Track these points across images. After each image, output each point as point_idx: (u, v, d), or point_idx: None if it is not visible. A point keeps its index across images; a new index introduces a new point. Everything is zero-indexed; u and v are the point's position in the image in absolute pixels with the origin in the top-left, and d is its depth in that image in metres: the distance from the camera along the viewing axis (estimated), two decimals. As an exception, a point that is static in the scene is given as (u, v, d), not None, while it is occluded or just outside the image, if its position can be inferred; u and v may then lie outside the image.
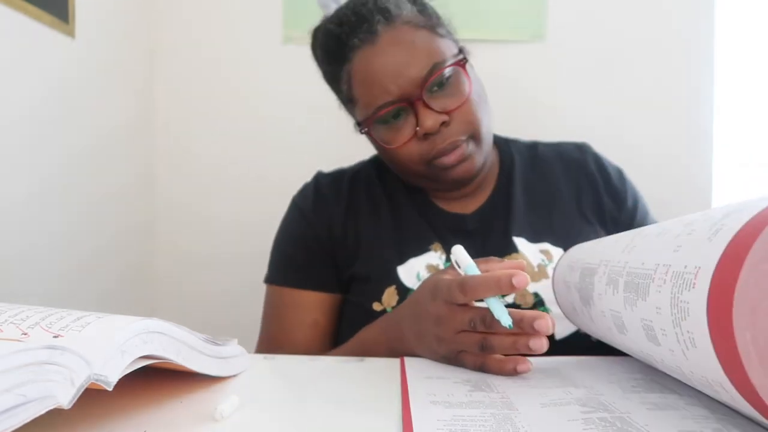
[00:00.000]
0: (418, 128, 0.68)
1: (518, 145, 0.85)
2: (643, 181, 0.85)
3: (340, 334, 0.78)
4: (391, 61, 0.68)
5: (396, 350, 0.58)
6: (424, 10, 0.73)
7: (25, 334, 0.34)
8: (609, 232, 0.77)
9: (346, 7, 0.74)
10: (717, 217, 0.33)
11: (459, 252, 0.52)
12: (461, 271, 0.52)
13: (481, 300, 0.49)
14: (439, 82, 0.68)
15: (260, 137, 1.39)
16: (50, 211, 1.01)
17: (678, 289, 0.32)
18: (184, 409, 0.39)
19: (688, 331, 0.31)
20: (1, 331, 0.34)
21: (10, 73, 0.91)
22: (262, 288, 0.82)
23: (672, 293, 0.32)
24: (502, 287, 0.46)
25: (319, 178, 0.84)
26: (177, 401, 0.41)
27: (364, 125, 0.72)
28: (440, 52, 0.69)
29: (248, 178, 1.39)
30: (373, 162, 0.86)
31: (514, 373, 0.48)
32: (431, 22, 0.72)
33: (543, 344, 0.47)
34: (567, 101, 1.35)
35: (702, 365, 0.31)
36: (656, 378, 0.46)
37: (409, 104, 0.68)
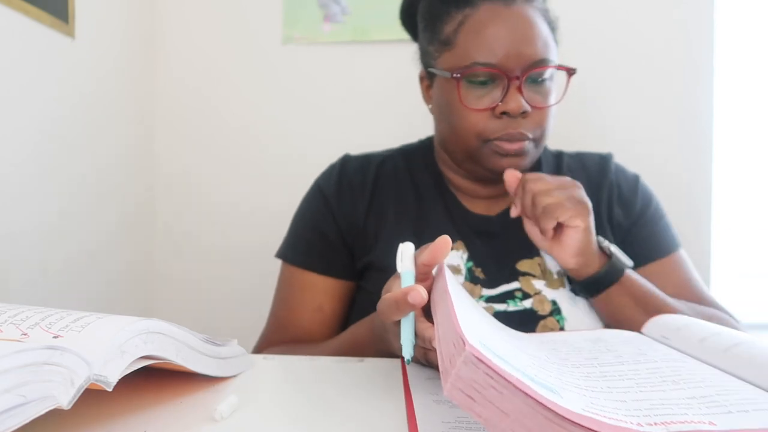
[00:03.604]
0: (500, 103, 0.67)
1: (546, 153, 0.84)
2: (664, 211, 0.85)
3: (351, 322, 0.77)
4: (514, 28, 0.67)
5: (382, 351, 0.58)
6: (549, 10, 0.74)
7: (25, 334, 0.34)
8: (614, 240, 0.77)
9: None
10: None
11: (403, 251, 0.49)
12: (399, 272, 0.49)
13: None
14: (540, 77, 0.69)
15: (260, 137, 1.39)
16: (49, 209, 1.01)
17: None
18: (183, 409, 0.39)
19: None
20: (1, 331, 0.35)
21: (10, 73, 0.91)
22: (264, 286, 0.82)
23: None
24: (401, 308, 0.44)
25: (346, 161, 0.82)
26: (177, 401, 0.41)
27: (453, 72, 0.69)
28: (552, 51, 0.70)
29: (248, 179, 1.39)
30: (402, 152, 0.84)
31: (411, 306, 0.43)
32: (553, 25, 0.73)
33: (421, 294, 0.42)
34: (567, 101, 1.34)
35: None
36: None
37: (506, 78, 0.67)
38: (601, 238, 0.71)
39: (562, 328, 0.70)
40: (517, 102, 0.67)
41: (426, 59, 0.77)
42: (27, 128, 0.95)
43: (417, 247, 0.51)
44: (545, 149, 0.84)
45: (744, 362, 0.41)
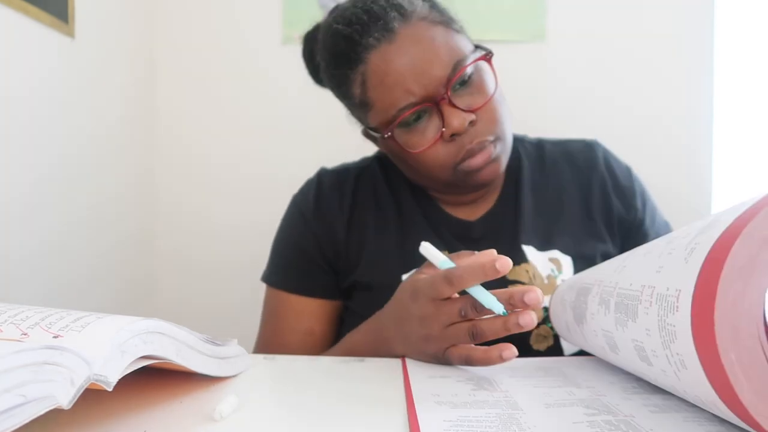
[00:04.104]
0: (444, 129, 0.64)
1: (525, 145, 0.81)
2: (643, 180, 0.84)
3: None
4: (412, 59, 0.63)
5: (382, 354, 0.57)
6: (435, 6, 0.69)
7: (25, 334, 0.34)
8: (617, 234, 0.76)
9: (352, 6, 0.68)
10: (693, 234, 0.32)
11: (429, 248, 0.53)
12: (438, 266, 0.52)
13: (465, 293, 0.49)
14: (463, 80, 0.65)
15: (260, 137, 1.39)
16: (49, 212, 1.01)
17: (664, 312, 0.32)
18: (183, 409, 0.39)
19: (677, 353, 0.31)
20: (1, 331, 0.35)
21: (10, 73, 0.91)
22: (263, 294, 0.82)
23: (659, 316, 0.33)
24: (488, 273, 0.46)
25: (322, 176, 0.80)
26: (177, 401, 0.41)
27: (385, 130, 0.67)
28: (460, 49, 0.65)
29: (248, 179, 1.39)
30: (378, 159, 0.82)
31: (500, 360, 0.47)
32: (444, 18, 0.68)
33: (532, 319, 0.47)
34: (567, 101, 1.35)
35: (694, 386, 0.31)
36: None
37: (433, 105, 0.64)
38: None
39: (555, 336, 0.68)
40: (459, 118, 0.63)
41: (359, 121, 0.74)
42: (26, 128, 0.95)
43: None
44: (524, 140, 0.82)
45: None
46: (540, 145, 0.81)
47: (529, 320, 0.47)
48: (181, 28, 1.40)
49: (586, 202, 0.76)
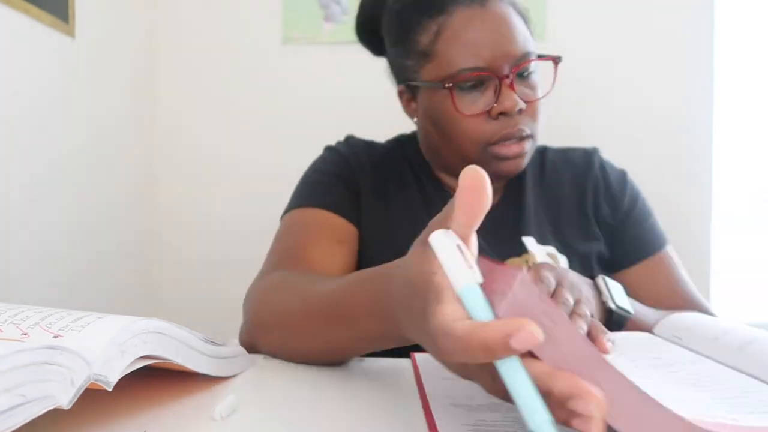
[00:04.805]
0: (495, 104, 0.67)
1: None
2: (643, 181, 0.84)
3: None
4: (493, 29, 0.67)
5: (385, 332, 0.44)
6: (518, 4, 0.73)
7: (25, 334, 0.34)
8: (602, 236, 0.77)
9: None
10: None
11: (440, 244, 0.32)
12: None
13: None
14: (527, 71, 0.69)
15: (261, 137, 1.39)
16: (49, 212, 1.01)
17: None
18: (183, 409, 0.39)
19: None
20: (1, 331, 0.35)
21: (10, 72, 0.91)
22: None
23: None
24: (490, 355, 0.27)
25: (350, 138, 0.82)
26: (177, 401, 0.41)
27: (444, 81, 0.68)
28: (532, 43, 0.70)
29: (249, 178, 1.39)
30: (398, 142, 0.83)
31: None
32: (526, 17, 0.72)
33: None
34: (567, 101, 1.34)
35: None
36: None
37: (496, 78, 0.67)
38: (602, 288, 0.62)
39: None
40: (512, 100, 0.66)
41: (404, 74, 0.75)
42: (27, 128, 0.95)
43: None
44: None
45: (759, 360, 0.41)
46: (543, 150, 0.84)
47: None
48: (181, 28, 1.40)
49: (581, 203, 0.78)
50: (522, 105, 0.67)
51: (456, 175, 0.77)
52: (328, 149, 0.82)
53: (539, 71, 0.72)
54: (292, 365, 0.53)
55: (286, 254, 0.69)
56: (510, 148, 0.68)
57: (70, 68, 1.06)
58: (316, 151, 1.29)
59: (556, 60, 0.71)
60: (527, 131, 0.68)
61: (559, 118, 1.33)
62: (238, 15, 1.39)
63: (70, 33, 1.05)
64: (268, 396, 0.43)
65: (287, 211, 0.75)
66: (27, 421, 0.27)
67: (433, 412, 0.37)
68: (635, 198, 0.80)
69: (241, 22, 1.39)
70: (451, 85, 0.67)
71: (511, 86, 0.66)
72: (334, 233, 0.71)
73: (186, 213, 1.41)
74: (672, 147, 1.33)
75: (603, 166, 0.82)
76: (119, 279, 1.25)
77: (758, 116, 1.32)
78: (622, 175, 0.82)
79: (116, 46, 1.24)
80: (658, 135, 1.33)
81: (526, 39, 0.68)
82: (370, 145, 0.81)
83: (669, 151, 1.33)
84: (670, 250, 0.79)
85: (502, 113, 0.67)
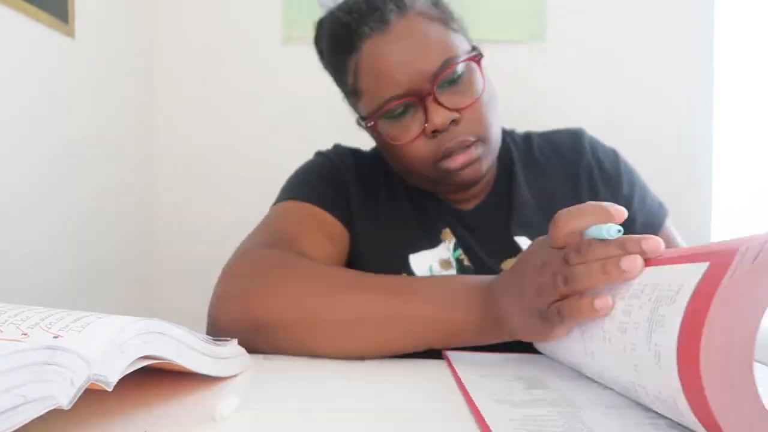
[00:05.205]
0: (426, 125, 0.65)
1: (514, 137, 0.82)
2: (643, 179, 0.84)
3: None
4: (402, 52, 0.65)
5: (477, 338, 0.52)
6: (438, 3, 0.70)
7: (25, 334, 0.34)
8: None
9: None
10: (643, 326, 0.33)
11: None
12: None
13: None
14: (451, 79, 0.65)
15: (260, 137, 1.39)
16: (49, 212, 1.01)
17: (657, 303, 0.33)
18: (183, 409, 0.39)
19: (656, 344, 0.31)
20: (1, 331, 0.34)
21: (10, 73, 0.91)
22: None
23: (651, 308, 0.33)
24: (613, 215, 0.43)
25: (337, 146, 0.82)
26: (177, 401, 0.41)
27: (369, 119, 0.68)
28: (453, 47, 0.66)
29: (248, 179, 1.39)
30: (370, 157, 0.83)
31: (591, 310, 0.39)
32: (444, 16, 0.69)
33: (636, 264, 0.38)
34: (567, 101, 1.35)
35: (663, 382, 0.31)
36: None
37: (418, 99, 0.65)
38: None
39: None
40: (441, 115, 0.64)
41: (352, 108, 0.75)
42: (26, 128, 0.95)
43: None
44: (512, 134, 0.83)
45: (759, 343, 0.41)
46: (528, 138, 0.82)
47: (632, 265, 0.38)
48: (181, 29, 1.40)
49: (574, 192, 0.76)
50: (453, 116, 0.65)
51: (427, 189, 0.76)
52: (319, 154, 0.82)
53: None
54: (292, 365, 0.53)
55: (278, 237, 0.67)
56: (456, 160, 0.66)
57: (69, 68, 1.06)
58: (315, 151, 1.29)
59: (475, 59, 0.67)
60: (470, 138, 0.66)
61: (558, 118, 1.34)
62: (238, 15, 1.39)
63: (70, 33, 1.05)
64: (268, 396, 0.43)
65: (277, 202, 0.76)
66: (27, 421, 0.27)
67: (480, 409, 0.37)
68: (632, 179, 0.79)
69: (241, 22, 1.39)
70: (372, 123, 0.68)
71: (435, 101, 0.64)
72: (326, 230, 0.71)
73: (186, 213, 1.41)
74: (672, 147, 1.33)
75: (594, 148, 0.80)
76: (119, 279, 1.25)
77: (758, 116, 1.32)
78: (614, 153, 0.80)
79: (116, 46, 1.24)
80: (658, 135, 1.33)
81: (442, 47, 0.65)
82: (355, 153, 0.82)
83: (669, 151, 1.33)
84: (670, 224, 0.79)
85: (435, 131, 0.65)
